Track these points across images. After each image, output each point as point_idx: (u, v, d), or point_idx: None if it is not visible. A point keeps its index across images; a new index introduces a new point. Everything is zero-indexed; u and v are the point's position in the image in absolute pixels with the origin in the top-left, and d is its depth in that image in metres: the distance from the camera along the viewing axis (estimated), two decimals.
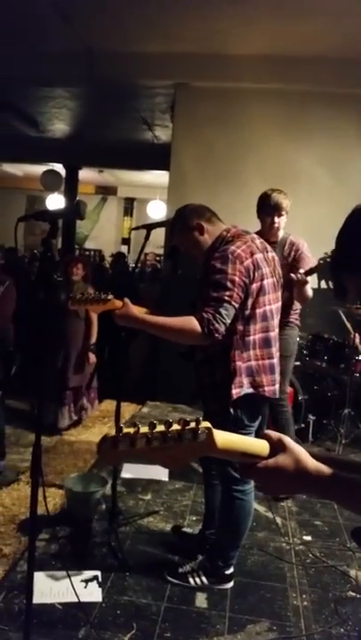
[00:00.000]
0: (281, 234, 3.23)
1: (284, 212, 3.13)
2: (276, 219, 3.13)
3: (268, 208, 3.11)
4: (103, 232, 13.73)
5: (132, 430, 0.76)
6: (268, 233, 3.14)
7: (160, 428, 0.76)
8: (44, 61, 5.18)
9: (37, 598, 2.03)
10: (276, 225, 3.15)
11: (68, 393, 4.33)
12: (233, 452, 0.84)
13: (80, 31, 4.74)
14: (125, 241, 13.92)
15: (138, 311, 2.15)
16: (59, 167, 9.41)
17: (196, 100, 5.29)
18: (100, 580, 2.34)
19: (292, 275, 3.03)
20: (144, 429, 0.76)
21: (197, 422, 0.78)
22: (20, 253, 9.49)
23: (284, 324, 3.08)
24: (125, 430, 0.76)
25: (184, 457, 0.79)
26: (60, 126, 7.62)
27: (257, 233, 3.17)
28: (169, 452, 0.76)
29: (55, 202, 10.16)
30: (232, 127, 5.16)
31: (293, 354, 3.41)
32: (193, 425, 0.77)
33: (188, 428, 0.77)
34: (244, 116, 5.12)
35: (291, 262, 3.19)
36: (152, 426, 0.76)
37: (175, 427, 0.77)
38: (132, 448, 0.75)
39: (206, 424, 0.78)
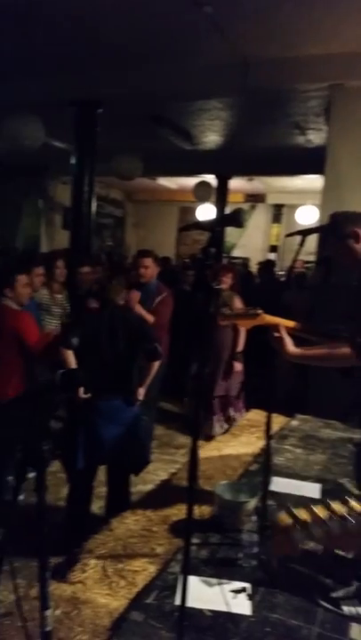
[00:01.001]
0: None
1: None
2: None
3: None
4: (250, 240, 13.75)
5: (307, 517, 0.69)
6: None
7: (337, 506, 0.68)
8: (199, 75, 5.36)
9: (188, 602, 2.06)
10: None
11: (215, 401, 4.40)
12: None
13: (234, 41, 4.81)
14: (273, 248, 13.79)
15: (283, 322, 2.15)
16: (210, 178, 9.64)
17: (353, 101, 5.06)
18: (249, 592, 2.31)
19: None
20: (321, 511, 0.69)
21: None
22: (173, 263, 9.90)
23: None
24: (301, 517, 0.70)
25: None
26: (212, 137, 7.81)
27: None
28: (352, 538, 0.68)
29: (205, 212, 10.43)
30: None
31: None
32: None
33: None
34: None
35: None
36: (329, 508, 0.69)
37: (357, 505, 0.68)
38: (309, 538, 0.69)
39: None
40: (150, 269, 4.10)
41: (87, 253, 6.07)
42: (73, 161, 6.21)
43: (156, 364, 3.34)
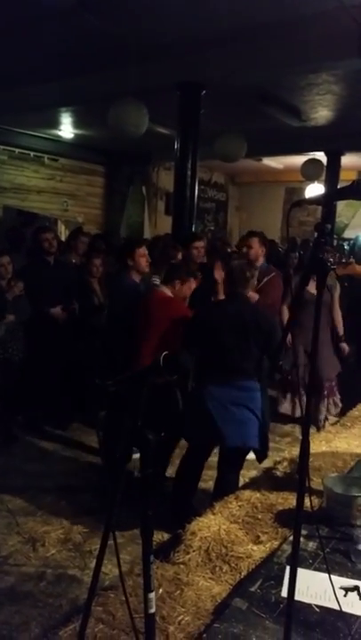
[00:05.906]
0: None
1: None
2: None
3: None
4: None
5: None
6: None
7: None
8: (310, 46, 5.05)
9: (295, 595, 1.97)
10: None
11: (328, 385, 4.24)
12: None
13: (349, 7, 4.48)
14: None
15: None
16: (320, 155, 9.21)
17: None
18: None
19: None
20: None
21: None
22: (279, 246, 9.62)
23: None
24: None
25: None
26: (322, 113, 7.44)
27: None
28: None
29: (314, 191, 9.99)
30: None
31: None
32: None
33: None
34: None
35: None
36: None
37: None
38: None
39: None
40: (254, 250, 4.08)
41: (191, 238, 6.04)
42: (176, 146, 6.19)
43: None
